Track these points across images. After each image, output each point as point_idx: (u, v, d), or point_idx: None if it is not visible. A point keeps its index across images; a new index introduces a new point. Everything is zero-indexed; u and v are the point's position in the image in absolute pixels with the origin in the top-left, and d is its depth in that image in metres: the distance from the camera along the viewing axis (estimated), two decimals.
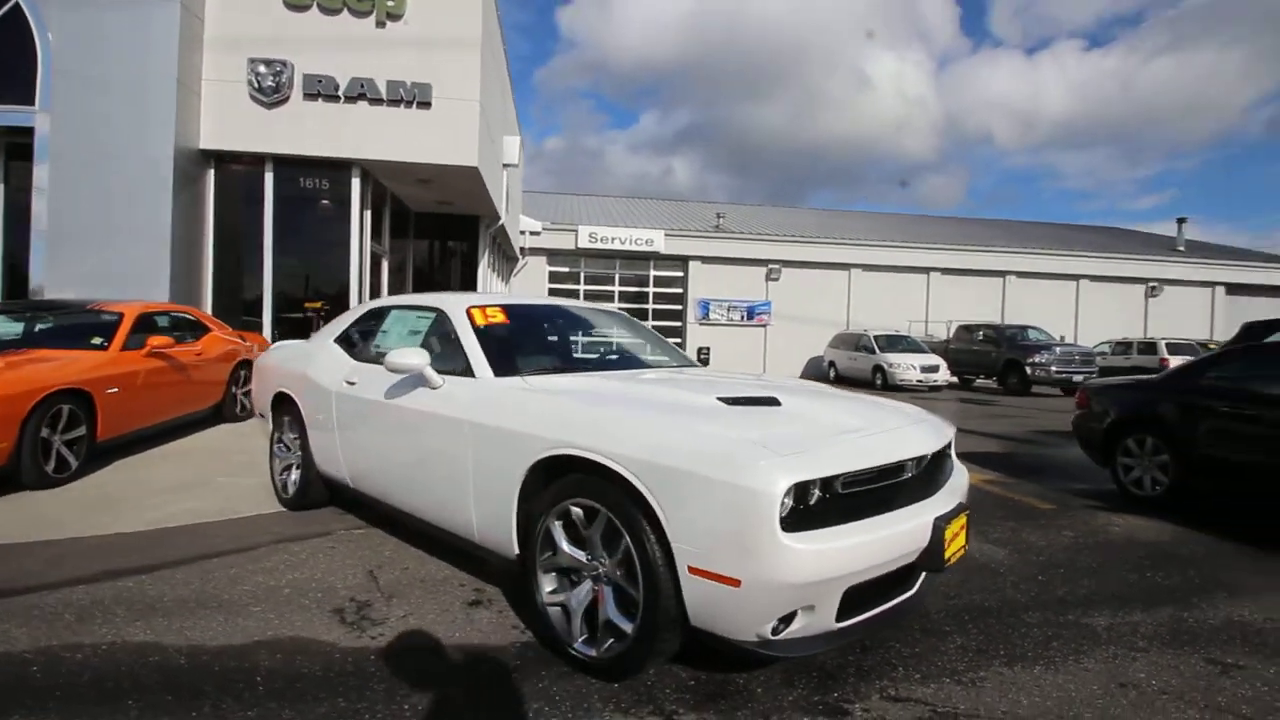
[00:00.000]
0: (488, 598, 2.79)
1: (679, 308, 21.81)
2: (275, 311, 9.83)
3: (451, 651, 2.34)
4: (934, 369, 15.66)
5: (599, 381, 2.74)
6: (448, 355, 3.04)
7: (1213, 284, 22.79)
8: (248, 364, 7.60)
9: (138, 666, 2.18)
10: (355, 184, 9.94)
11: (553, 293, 21.39)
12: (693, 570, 1.89)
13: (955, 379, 16.84)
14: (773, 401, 2.36)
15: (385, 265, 11.87)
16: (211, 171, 9.49)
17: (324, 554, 3.30)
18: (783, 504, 1.77)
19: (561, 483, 2.25)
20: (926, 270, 21.79)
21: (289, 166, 9.72)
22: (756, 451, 1.87)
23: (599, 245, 20.67)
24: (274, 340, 8.67)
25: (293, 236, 9.99)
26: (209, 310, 9.13)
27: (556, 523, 2.28)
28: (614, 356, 3.35)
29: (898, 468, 2.14)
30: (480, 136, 9.86)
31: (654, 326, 21.64)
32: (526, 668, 2.22)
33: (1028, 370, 15.21)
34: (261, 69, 9.13)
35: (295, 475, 4.01)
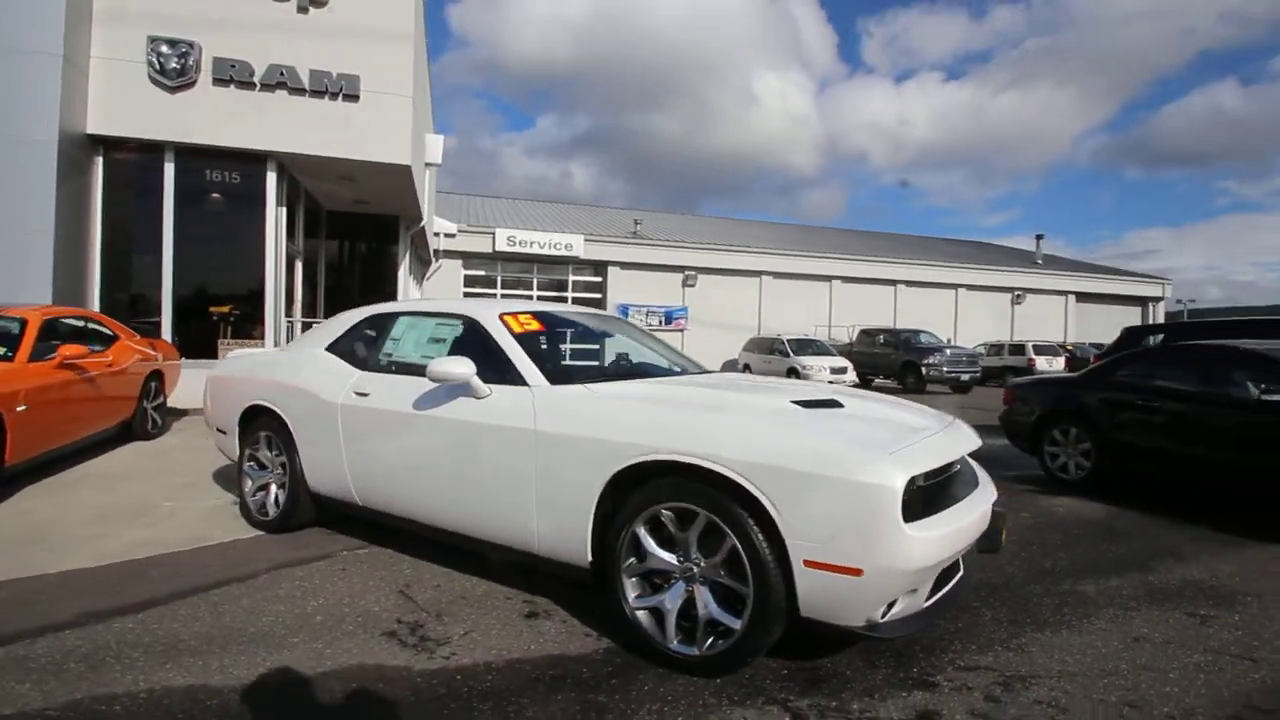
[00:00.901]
0: (542, 609, 2.74)
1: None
2: (177, 315, 8.88)
3: (537, 663, 2.29)
4: (843, 370, 16.74)
5: (663, 388, 2.77)
6: (485, 364, 2.94)
7: (1065, 293, 26.02)
8: (159, 375, 6.86)
9: (198, 711, 1.97)
10: (271, 178, 9.19)
11: (469, 297, 20.74)
12: (808, 564, 1.99)
13: (858, 380, 18.10)
14: (836, 404, 2.52)
15: (299, 267, 11.05)
16: (100, 159, 8.43)
17: (337, 577, 3.09)
18: (902, 497, 1.92)
19: (650, 487, 2.27)
20: (829, 278, 23.24)
21: (194, 157, 8.83)
22: (869, 450, 2.01)
23: (517, 249, 20.32)
24: (180, 348, 7.84)
25: (197, 233, 9.08)
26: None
27: (643, 528, 2.30)
28: (642, 362, 3.37)
29: (956, 463, 2.36)
30: (413, 134, 9.46)
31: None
32: (623, 673, 2.22)
33: (923, 370, 16.63)
34: (164, 49, 8.25)
35: (276, 495, 3.71)
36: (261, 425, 3.77)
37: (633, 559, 2.34)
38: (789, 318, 22.11)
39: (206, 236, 9.28)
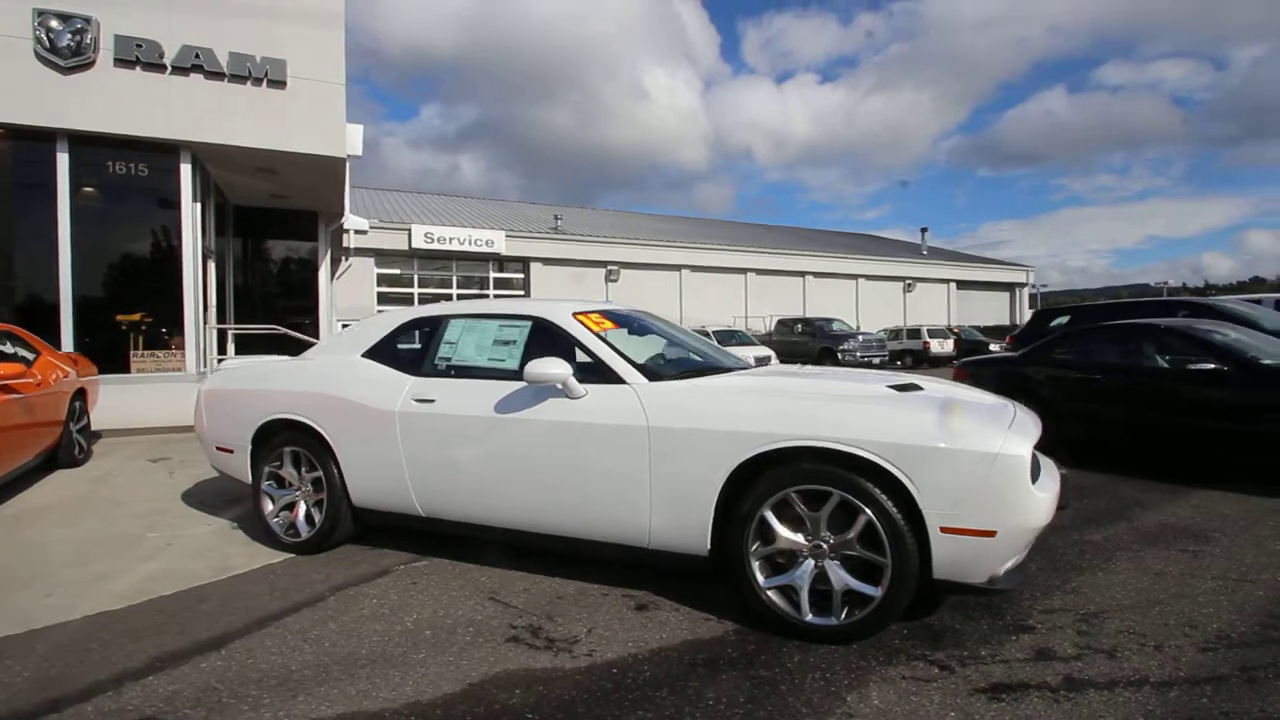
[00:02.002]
0: (647, 601, 2.80)
1: None
2: (78, 326, 7.88)
3: (680, 650, 2.36)
4: (767, 359, 17.54)
5: (761, 380, 2.90)
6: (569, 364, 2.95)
7: (948, 281, 28.63)
8: (82, 394, 6.11)
9: None
10: (186, 171, 8.35)
11: (383, 298, 19.76)
12: (944, 530, 2.21)
13: None
14: (919, 388, 2.76)
15: (212, 267, 10.10)
16: None
17: (413, 591, 2.98)
18: (1028, 465, 2.18)
19: (779, 472, 2.41)
20: (744, 271, 24.19)
21: (93, 147, 7.85)
22: (994, 426, 2.26)
23: (435, 246, 19.56)
24: (95, 361, 6.98)
25: (99, 233, 8.09)
26: None
27: (770, 512, 2.43)
28: (700, 356, 3.45)
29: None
30: (346, 124, 8.91)
31: None
32: (766, 649, 2.34)
33: (839, 356, 17.79)
34: (54, 24, 7.26)
35: (308, 513, 3.49)
36: (285, 441, 3.52)
37: (759, 542, 2.47)
38: (708, 309, 22.81)
39: (111, 236, 8.28)
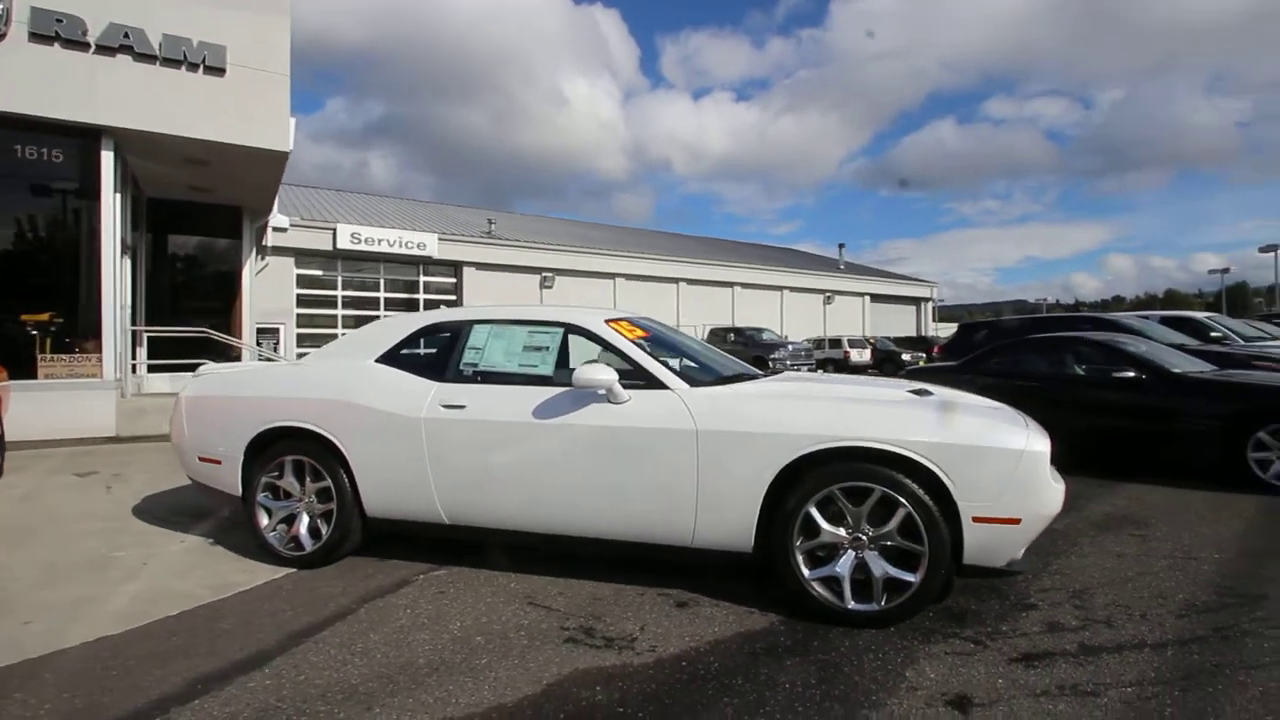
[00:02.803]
0: (687, 599, 2.89)
1: None
2: None
3: (738, 641, 2.48)
4: None
5: (794, 385, 3.08)
6: None
7: (863, 294, 30.41)
8: None
9: None
10: (108, 159, 7.67)
11: (304, 300, 18.73)
12: (976, 519, 2.47)
13: None
14: (930, 393, 3.04)
15: (129, 263, 9.27)
16: None
17: (445, 599, 2.94)
18: (1049, 460, 2.48)
19: (823, 471, 2.59)
20: (677, 281, 24.70)
21: (1, 129, 7.05)
22: (1017, 427, 2.55)
23: (362, 247, 18.74)
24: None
25: (4, 223, 7.27)
26: None
27: (814, 508, 2.61)
28: (723, 364, 3.56)
29: None
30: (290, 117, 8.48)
31: None
32: (815, 636, 2.51)
33: (770, 364, 18.55)
34: None
35: (313, 525, 3.35)
36: (286, 450, 3.37)
37: (803, 537, 2.64)
38: None
39: (15, 228, 7.46)
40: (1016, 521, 2.46)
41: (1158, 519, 4.05)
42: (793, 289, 27.99)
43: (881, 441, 2.52)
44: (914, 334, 29.97)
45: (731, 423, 2.71)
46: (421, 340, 3.42)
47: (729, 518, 2.72)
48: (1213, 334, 8.47)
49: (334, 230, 18.33)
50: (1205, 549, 3.45)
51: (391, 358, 3.39)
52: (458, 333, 3.34)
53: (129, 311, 8.96)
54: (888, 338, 25.09)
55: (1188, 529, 3.81)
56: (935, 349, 11.12)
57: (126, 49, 7.28)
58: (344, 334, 19.18)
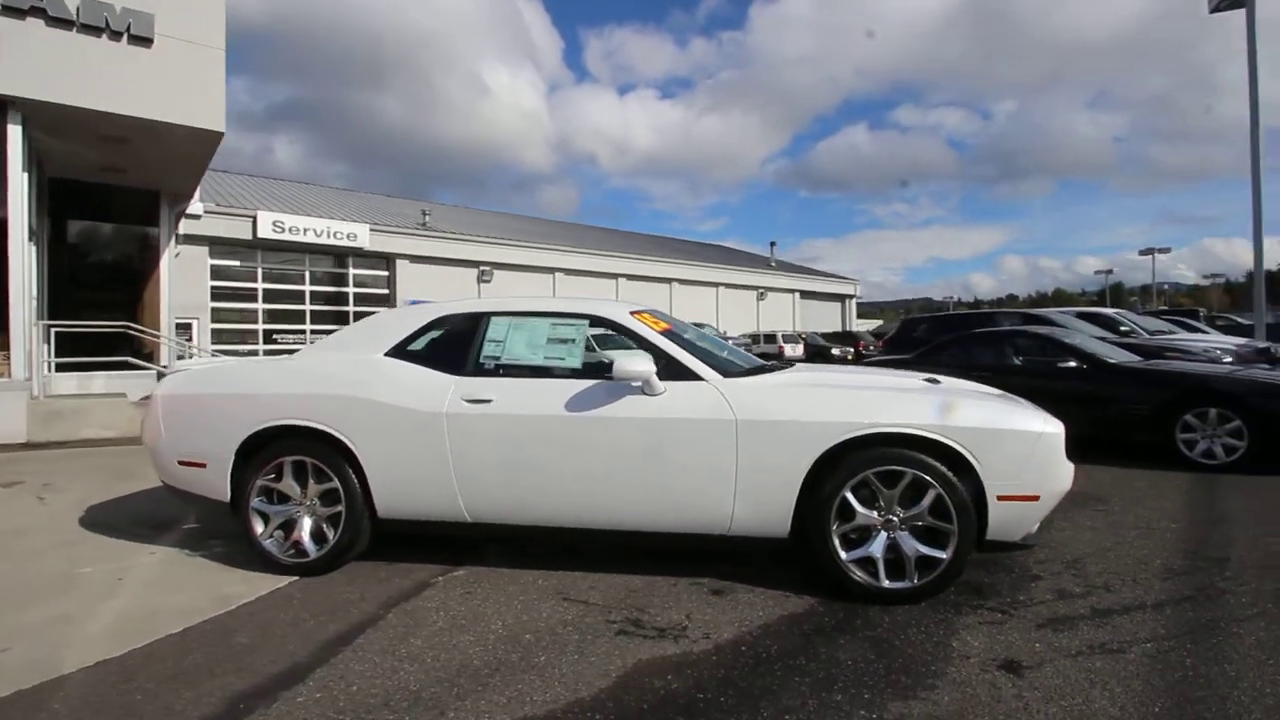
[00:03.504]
0: (721, 586, 2.94)
1: (385, 310, 20.11)
2: None
3: (785, 624, 2.55)
4: None
5: (823, 374, 3.17)
6: None
7: (793, 291, 31.50)
8: None
9: None
10: (15, 134, 6.89)
11: (220, 293, 17.50)
12: (1000, 498, 2.65)
13: None
14: (937, 381, 3.22)
15: (34, 249, 8.35)
16: None
17: (478, 600, 2.86)
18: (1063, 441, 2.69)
19: (859, 457, 2.70)
20: (616, 276, 24.71)
21: None
22: (1033, 411, 2.75)
23: (286, 237, 17.65)
24: None
25: None
26: None
27: (850, 493, 2.73)
28: (742, 355, 3.58)
29: None
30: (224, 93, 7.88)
31: None
32: (856, 615, 2.61)
33: None
34: None
35: (318, 529, 3.17)
36: (284, 450, 3.17)
37: (839, 521, 2.74)
38: None
39: None
40: (1036, 498, 2.66)
41: (1113, 495, 4.46)
42: (728, 285, 28.62)
43: (915, 427, 2.66)
44: (839, 329, 31.34)
45: (771, 412, 2.78)
46: (437, 333, 3.29)
47: (767, 505, 2.79)
48: (1121, 328, 9.36)
49: (254, 218, 17.16)
50: (1162, 520, 3.84)
51: (402, 351, 3.24)
52: (475, 325, 3.24)
53: (36, 304, 8.07)
54: (817, 333, 26.14)
55: (1140, 503, 4.22)
56: (880, 342, 11.69)
57: (38, 11, 6.55)
58: (267, 329, 18.02)
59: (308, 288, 18.86)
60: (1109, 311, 10.03)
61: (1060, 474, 2.70)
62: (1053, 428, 2.70)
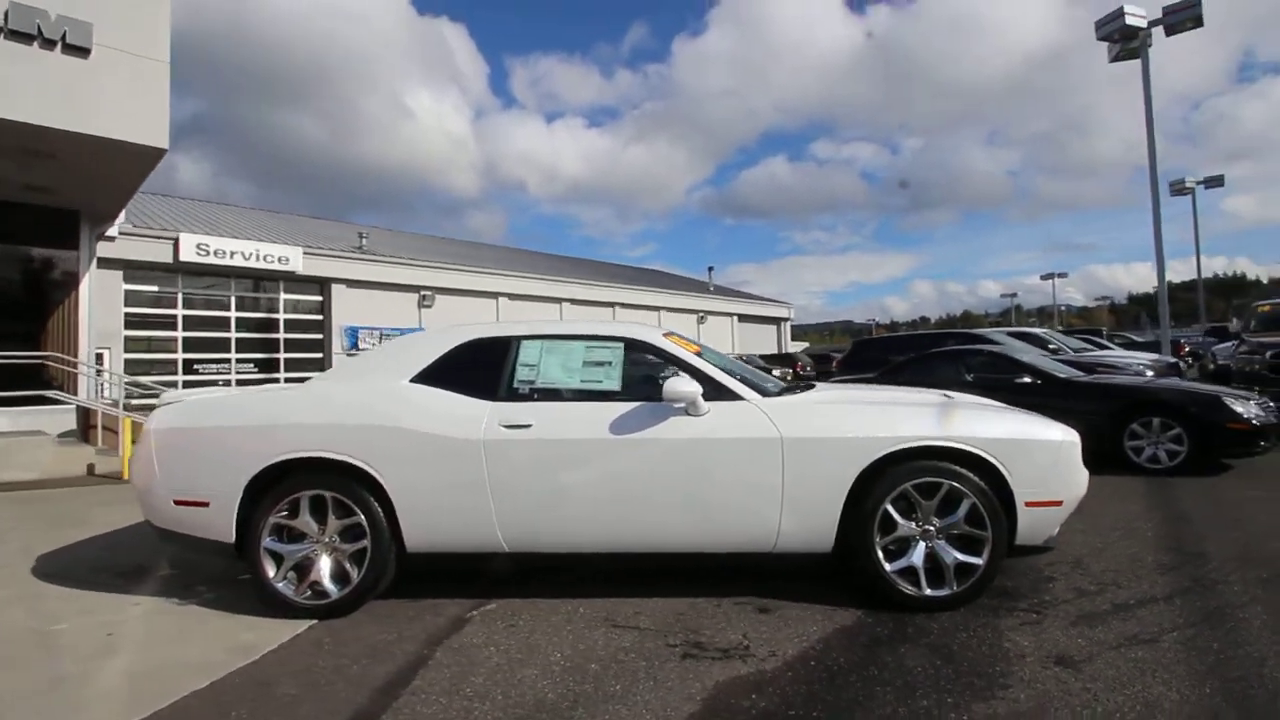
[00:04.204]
0: (765, 605, 2.95)
1: (319, 337, 19.20)
2: None
3: (841, 637, 2.60)
4: None
5: (853, 392, 3.30)
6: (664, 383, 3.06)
7: (732, 314, 32.30)
8: None
9: None
10: None
11: (135, 320, 16.25)
12: (1028, 504, 2.82)
13: None
14: (950, 397, 3.42)
15: None
16: None
17: (525, 632, 2.77)
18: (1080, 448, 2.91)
19: (899, 470, 2.82)
20: (560, 300, 24.60)
21: None
22: (1051, 423, 2.95)
23: (211, 260, 16.58)
24: None
25: None
26: None
27: (890, 505, 2.84)
28: (765, 376, 3.65)
29: None
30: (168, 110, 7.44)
31: (288, 359, 18.53)
32: (906, 623, 2.70)
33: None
34: None
35: (339, 567, 3.00)
36: (301, 485, 2.99)
37: (881, 533, 2.85)
38: None
39: None
40: (1059, 503, 2.86)
41: (1083, 501, 4.80)
42: (669, 309, 29.02)
43: (952, 440, 2.81)
44: (776, 351, 32.32)
45: (814, 430, 2.86)
46: (463, 358, 3.20)
47: (813, 520, 2.86)
48: (1050, 346, 10.16)
49: (176, 240, 16.04)
50: (1135, 521, 4.18)
51: (428, 377, 3.13)
52: (505, 349, 3.18)
53: None
54: (757, 355, 26.86)
55: (1111, 507, 4.57)
56: (835, 364, 12.16)
57: None
58: (187, 358, 16.79)
59: (233, 314, 17.73)
60: (1038, 331, 10.91)
61: (1079, 479, 2.92)
62: (1072, 437, 2.92)
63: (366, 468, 2.94)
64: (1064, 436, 2.90)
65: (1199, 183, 27.56)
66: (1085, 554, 3.55)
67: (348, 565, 2.99)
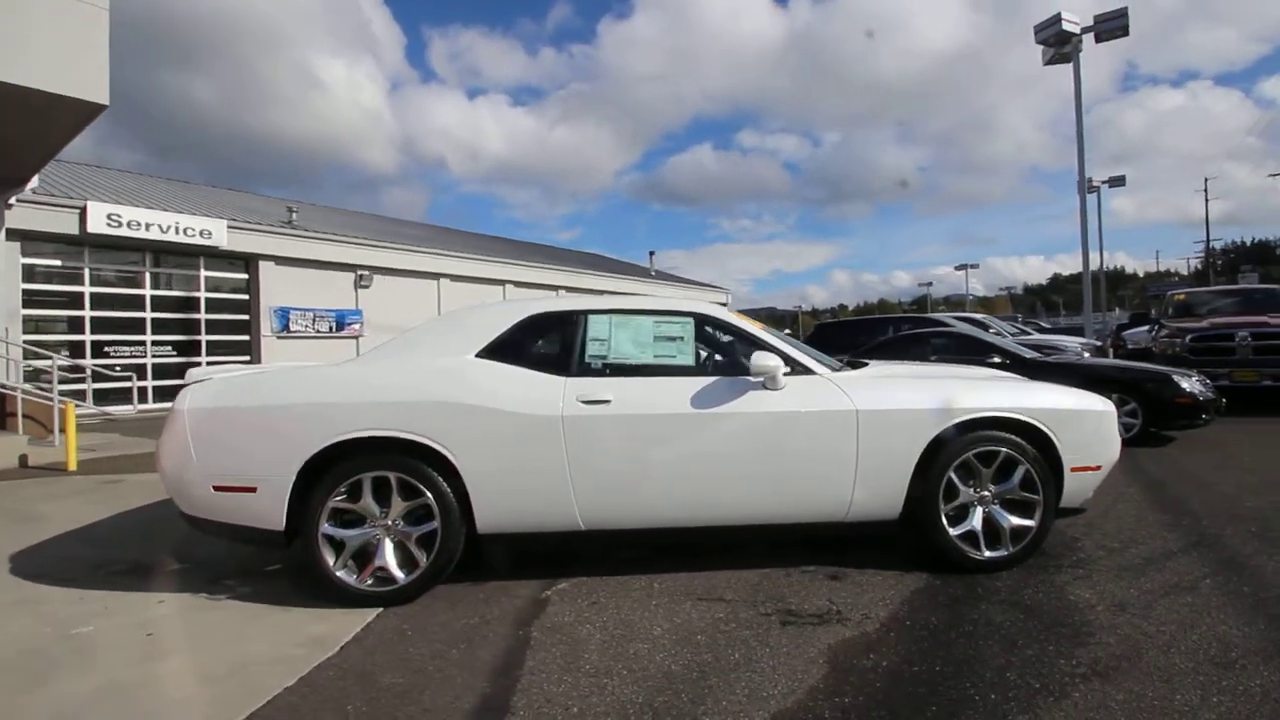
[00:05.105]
0: (835, 572, 3.05)
1: (245, 317, 17.94)
2: None
3: (923, 598, 2.74)
4: None
5: (921, 368, 3.49)
6: (737, 357, 3.11)
7: (673, 299, 32.59)
8: None
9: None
10: None
11: (35, 298, 14.70)
12: (1073, 469, 3.05)
13: None
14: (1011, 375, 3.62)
15: None
16: None
17: (612, 610, 2.76)
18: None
19: (963, 440, 2.99)
20: (504, 283, 24.04)
21: None
22: (1092, 394, 3.19)
23: (124, 233, 15.11)
24: None
25: None
26: None
27: (954, 473, 3.00)
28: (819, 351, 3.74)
29: None
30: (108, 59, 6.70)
31: (210, 341, 17.25)
32: (974, 583, 2.87)
33: None
34: None
35: (408, 552, 2.86)
36: (363, 466, 2.83)
37: (945, 500, 3.01)
38: None
39: None
40: (1098, 468, 3.11)
41: None
42: (614, 293, 28.96)
43: (1013, 411, 3.00)
44: None
45: (886, 402, 2.97)
46: (527, 333, 3.10)
47: (884, 489, 2.98)
48: (991, 329, 10.89)
49: (83, 210, 14.49)
50: (1122, 488, 4.58)
51: (495, 352, 3.02)
52: (573, 323, 3.11)
53: None
54: None
55: None
56: None
57: None
58: (96, 340, 15.31)
59: (149, 292, 16.26)
60: (979, 317, 11.69)
61: (1115, 447, 3.18)
62: (1111, 408, 3.18)
63: (437, 446, 2.81)
64: (1105, 407, 3.16)
65: (1104, 182, 30.08)
66: (1093, 517, 3.87)
67: (414, 549, 2.86)
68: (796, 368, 3.05)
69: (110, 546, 3.88)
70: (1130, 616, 2.50)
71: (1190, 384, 5.89)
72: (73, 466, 6.27)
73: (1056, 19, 12.99)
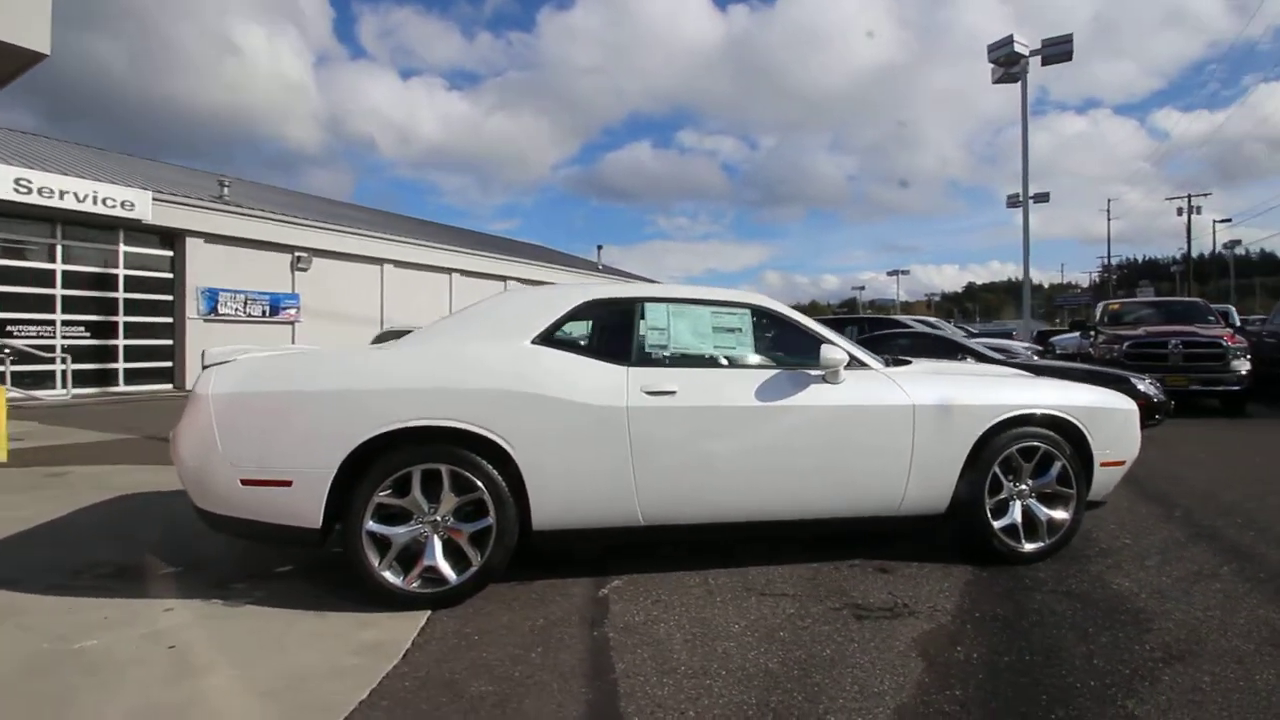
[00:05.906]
0: (883, 566, 3.09)
1: (169, 298, 16.60)
2: None
3: (975, 589, 2.81)
4: None
5: (964, 366, 3.56)
6: (794, 350, 3.09)
7: None
8: None
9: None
10: None
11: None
12: (1102, 464, 3.21)
13: None
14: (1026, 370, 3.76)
15: None
16: None
17: (680, 607, 2.69)
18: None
19: (1007, 436, 3.07)
20: (450, 271, 23.29)
21: None
22: (1118, 393, 3.36)
23: (32, 200, 13.65)
24: None
25: None
26: None
27: (998, 469, 3.09)
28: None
29: None
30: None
31: (129, 323, 15.87)
32: (1017, 573, 2.97)
33: None
34: None
35: (454, 549, 2.68)
36: (412, 458, 2.63)
37: (989, 494, 3.09)
38: (412, 310, 21.25)
39: None
40: (1123, 463, 3.28)
41: None
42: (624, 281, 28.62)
43: (1053, 408, 3.12)
44: None
45: (940, 398, 3.03)
46: (581, 319, 2.98)
47: (935, 484, 3.03)
48: (943, 332, 11.42)
49: None
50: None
51: (550, 339, 2.88)
52: (630, 311, 3.00)
53: None
54: None
55: None
56: None
57: None
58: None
59: (59, 267, 14.76)
60: (931, 319, 12.25)
61: (1138, 442, 3.36)
62: (1133, 405, 3.35)
63: (494, 437, 2.65)
64: (1130, 405, 3.33)
65: (1031, 196, 32.16)
66: (1090, 519, 4.07)
67: (466, 547, 2.68)
68: (854, 362, 3.06)
69: (83, 547, 3.47)
70: (1175, 603, 2.65)
71: (1145, 385, 6.34)
72: (3, 457, 5.58)
73: (1009, 40, 13.84)
